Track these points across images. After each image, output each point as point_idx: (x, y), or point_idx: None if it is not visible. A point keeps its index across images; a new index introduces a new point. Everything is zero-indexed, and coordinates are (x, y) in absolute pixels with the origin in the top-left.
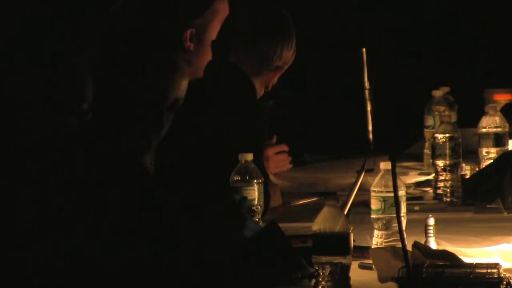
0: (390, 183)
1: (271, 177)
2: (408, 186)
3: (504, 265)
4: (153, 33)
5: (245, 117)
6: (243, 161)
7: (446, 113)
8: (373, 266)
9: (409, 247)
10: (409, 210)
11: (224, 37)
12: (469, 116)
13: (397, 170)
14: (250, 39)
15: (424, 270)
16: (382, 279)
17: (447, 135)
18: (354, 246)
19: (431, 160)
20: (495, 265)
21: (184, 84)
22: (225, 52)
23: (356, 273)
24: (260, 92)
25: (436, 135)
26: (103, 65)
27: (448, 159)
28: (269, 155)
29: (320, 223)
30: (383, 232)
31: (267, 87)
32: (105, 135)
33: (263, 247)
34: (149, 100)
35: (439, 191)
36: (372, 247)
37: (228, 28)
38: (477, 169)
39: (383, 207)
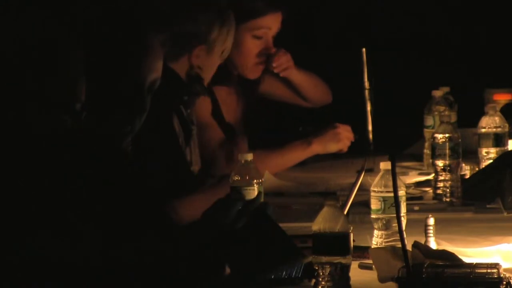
0: (390, 183)
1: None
2: (408, 186)
3: (504, 265)
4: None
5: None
6: (243, 161)
7: (446, 113)
8: (373, 266)
9: (409, 247)
10: (409, 210)
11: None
12: (469, 116)
13: (397, 170)
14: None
15: (424, 270)
16: (382, 279)
17: (446, 135)
18: (354, 246)
19: (431, 160)
20: (495, 265)
21: (159, 64)
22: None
23: (356, 273)
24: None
25: (436, 135)
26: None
27: (447, 159)
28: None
29: (320, 223)
30: (383, 232)
31: (192, 67)
32: (95, 127)
33: (256, 240)
34: (131, 84)
35: (439, 191)
36: (372, 247)
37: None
38: (477, 169)
39: (383, 207)
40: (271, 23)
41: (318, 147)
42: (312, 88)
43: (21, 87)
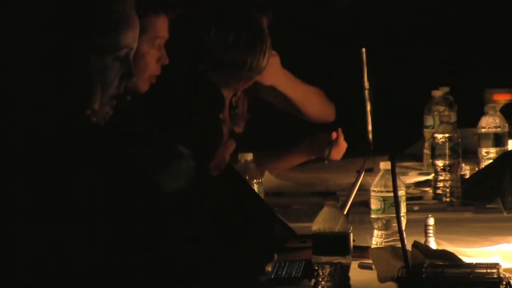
0: (390, 183)
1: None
2: (407, 186)
3: (504, 265)
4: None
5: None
6: (242, 161)
7: (446, 113)
8: (373, 266)
9: (409, 247)
10: (409, 210)
11: (194, 48)
12: (469, 116)
13: (397, 170)
14: (219, 51)
15: (424, 270)
16: (381, 279)
17: (446, 135)
18: (354, 246)
19: (430, 160)
20: (495, 265)
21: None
22: (196, 63)
23: (356, 273)
24: (227, 100)
25: (436, 135)
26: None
27: (447, 159)
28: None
29: (320, 223)
30: (382, 232)
31: (235, 94)
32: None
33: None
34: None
35: (439, 191)
36: (372, 247)
37: (199, 39)
38: (476, 169)
39: (382, 207)
40: None
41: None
42: (307, 105)
43: (32, 90)
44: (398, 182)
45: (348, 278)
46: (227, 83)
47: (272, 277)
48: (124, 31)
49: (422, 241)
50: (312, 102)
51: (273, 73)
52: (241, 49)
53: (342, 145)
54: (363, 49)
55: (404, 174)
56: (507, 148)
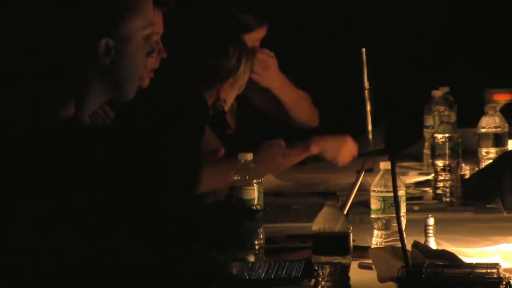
0: (390, 183)
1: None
2: (407, 186)
3: (504, 265)
4: None
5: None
6: (242, 161)
7: (446, 113)
8: (373, 266)
9: (408, 247)
10: (409, 210)
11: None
12: (469, 116)
13: (397, 170)
14: (191, 56)
15: (423, 270)
16: (381, 279)
17: (446, 135)
18: (354, 246)
19: (430, 160)
20: (495, 265)
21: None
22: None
23: (355, 273)
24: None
25: (436, 135)
26: None
27: (447, 159)
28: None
29: (320, 223)
30: (382, 232)
31: (218, 99)
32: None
33: None
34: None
35: (439, 191)
36: (372, 247)
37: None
38: (476, 169)
39: (382, 207)
40: (256, 36)
41: (316, 149)
42: (297, 109)
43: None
44: (398, 182)
45: (348, 278)
46: (209, 87)
47: (272, 277)
48: (146, 9)
49: (422, 241)
50: (301, 107)
51: (270, 75)
52: (206, 51)
53: (352, 149)
54: (363, 49)
55: (404, 174)
56: (507, 148)
